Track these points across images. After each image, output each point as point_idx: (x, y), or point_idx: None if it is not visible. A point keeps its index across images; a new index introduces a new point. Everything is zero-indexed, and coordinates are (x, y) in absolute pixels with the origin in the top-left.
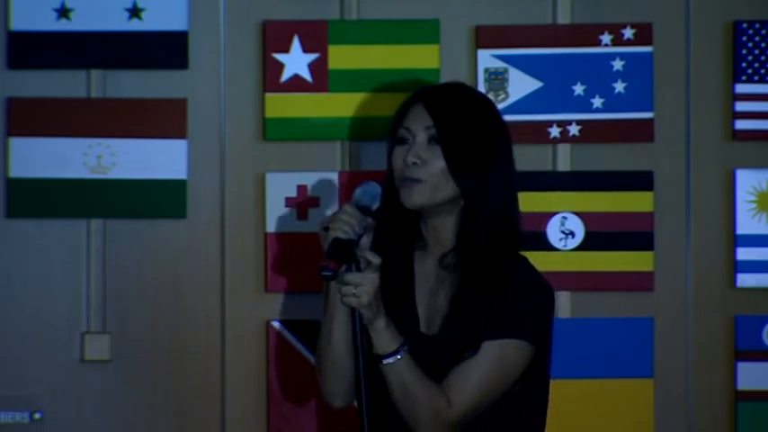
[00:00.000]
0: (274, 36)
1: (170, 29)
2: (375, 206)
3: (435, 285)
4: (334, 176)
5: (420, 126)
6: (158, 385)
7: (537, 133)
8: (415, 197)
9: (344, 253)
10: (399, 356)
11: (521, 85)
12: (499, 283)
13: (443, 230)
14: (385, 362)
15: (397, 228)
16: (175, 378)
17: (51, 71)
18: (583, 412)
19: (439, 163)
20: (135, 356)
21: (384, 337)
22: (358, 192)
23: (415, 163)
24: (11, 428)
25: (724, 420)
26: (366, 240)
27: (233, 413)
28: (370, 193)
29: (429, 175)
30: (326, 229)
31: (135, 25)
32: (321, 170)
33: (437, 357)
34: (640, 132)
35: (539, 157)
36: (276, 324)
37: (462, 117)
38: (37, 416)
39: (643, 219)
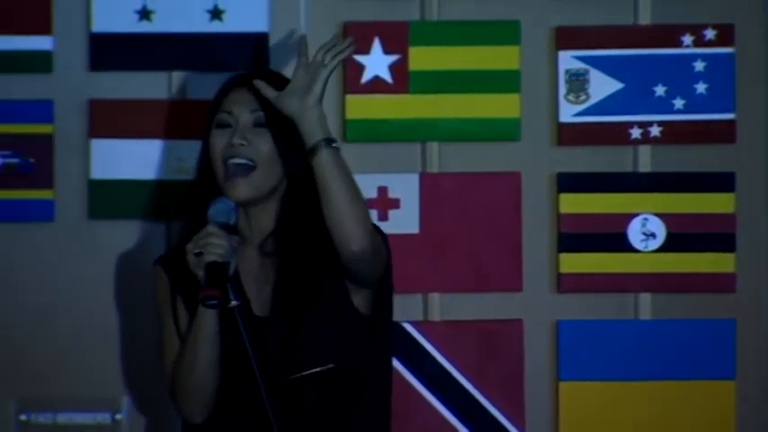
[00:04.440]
0: (355, 37)
1: (251, 30)
2: (233, 221)
3: (261, 276)
4: (415, 178)
5: (244, 109)
6: None
7: (618, 134)
8: (243, 191)
9: (224, 276)
10: (336, 144)
11: (601, 86)
12: (321, 261)
13: (264, 217)
14: (334, 144)
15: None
16: None
17: (132, 73)
18: (664, 414)
19: (266, 145)
20: None
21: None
22: (212, 210)
23: (242, 144)
24: (92, 429)
25: None
26: (233, 265)
27: None
28: (223, 209)
29: (259, 157)
30: (198, 254)
31: (215, 27)
32: (402, 171)
33: (269, 339)
34: (722, 133)
35: (619, 159)
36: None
37: None
38: (118, 416)
39: (725, 220)
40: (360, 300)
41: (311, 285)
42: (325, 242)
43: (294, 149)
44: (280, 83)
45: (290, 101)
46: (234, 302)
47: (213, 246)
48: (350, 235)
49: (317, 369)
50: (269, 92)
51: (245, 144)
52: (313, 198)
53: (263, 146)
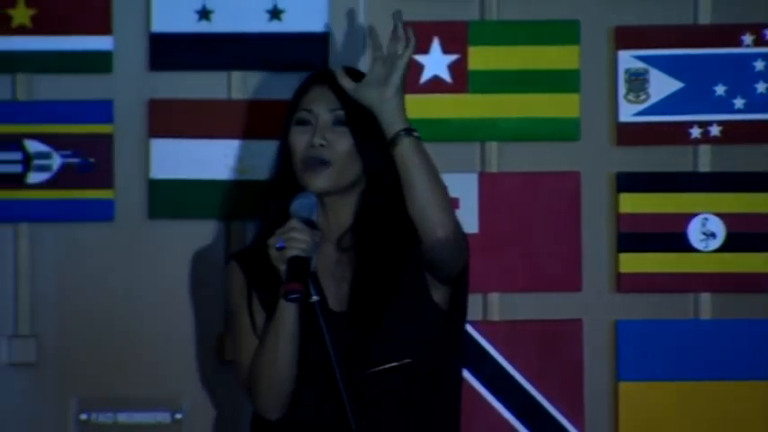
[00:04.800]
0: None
1: (310, 30)
2: (314, 217)
3: (338, 271)
4: (474, 178)
5: (324, 107)
6: None
7: (677, 134)
8: (321, 181)
9: (306, 271)
10: (417, 133)
11: (661, 85)
12: (400, 256)
13: (342, 212)
14: (415, 134)
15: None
16: None
17: (192, 72)
18: (724, 414)
19: (345, 144)
20: None
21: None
22: (295, 205)
23: (321, 145)
24: (152, 429)
25: None
26: (314, 260)
27: None
28: (306, 204)
29: (336, 157)
30: (280, 249)
31: (275, 27)
32: (461, 171)
33: (345, 335)
34: None
35: (679, 158)
36: None
37: None
38: (178, 416)
39: None
40: (439, 296)
41: (389, 281)
42: (403, 238)
43: (374, 147)
44: (359, 78)
45: (367, 92)
46: (314, 297)
47: (296, 240)
48: (434, 221)
49: (393, 364)
50: (346, 82)
51: (325, 144)
52: (392, 194)
53: (341, 146)
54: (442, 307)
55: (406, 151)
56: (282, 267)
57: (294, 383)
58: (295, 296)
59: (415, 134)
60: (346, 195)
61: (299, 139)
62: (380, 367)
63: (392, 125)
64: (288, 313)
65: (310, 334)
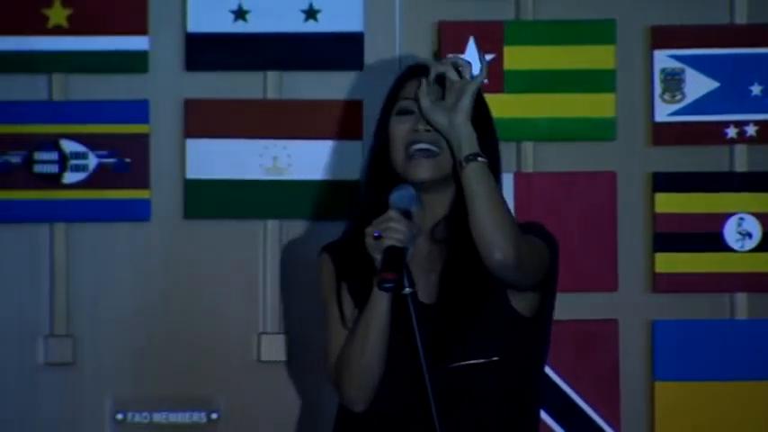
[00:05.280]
0: (450, 37)
1: (345, 30)
2: (413, 209)
3: (427, 263)
4: (510, 178)
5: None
6: (329, 384)
7: (713, 134)
8: (423, 171)
9: (401, 261)
10: (482, 158)
11: (697, 85)
12: None
13: (437, 205)
14: (480, 159)
15: (385, 203)
16: None
17: (228, 72)
18: (761, 414)
19: None
20: (309, 356)
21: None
22: (395, 196)
23: (427, 130)
24: (188, 428)
25: None
26: (410, 251)
27: None
28: (405, 196)
29: (442, 142)
30: (377, 238)
31: (310, 27)
32: None
33: (432, 327)
34: None
35: (715, 158)
36: None
37: None
38: (213, 416)
39: None
40: (520, 302)
41: (479, 274)
42: None
43: (478, 134)
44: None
45: (439, 117)
46: (407, 289)
47: (394, 230)
48: (492, 244)
49: (481, 360)
50: (424, 101)
51: (430, 130)
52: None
53: None
54: (524, 314)
55: (470, 174)
56: (378, 256)
57: (381, 376)
58: (389, 285)
59: (481, 159)
60: (442, 189)
61: (401, 128)
62: (465, 362)
63: (461, 150)
64: (380, 302)
65: (397, 327)
